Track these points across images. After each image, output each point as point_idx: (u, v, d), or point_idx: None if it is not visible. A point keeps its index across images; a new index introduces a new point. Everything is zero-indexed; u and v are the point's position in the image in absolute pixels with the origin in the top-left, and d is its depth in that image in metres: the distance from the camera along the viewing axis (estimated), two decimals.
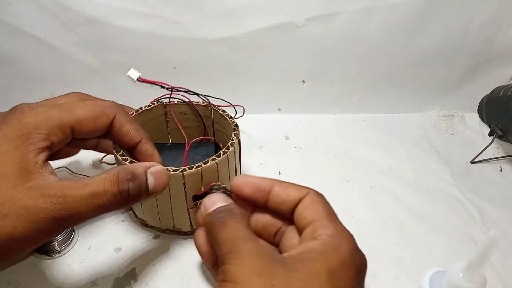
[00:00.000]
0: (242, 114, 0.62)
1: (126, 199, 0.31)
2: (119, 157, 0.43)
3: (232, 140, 0.47)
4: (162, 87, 0.54)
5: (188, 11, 0.67)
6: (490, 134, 0.70)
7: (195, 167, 0.41)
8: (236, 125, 0.51)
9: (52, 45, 0.68)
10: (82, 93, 0.43)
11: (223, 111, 0.55)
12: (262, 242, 0.27)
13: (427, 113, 0.80)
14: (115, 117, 0.38)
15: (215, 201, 0.30)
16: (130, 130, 0.39)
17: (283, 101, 0.79)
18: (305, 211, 0.29)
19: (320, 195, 0.30)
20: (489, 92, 0.72)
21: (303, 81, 0.76)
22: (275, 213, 0.32)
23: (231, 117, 0.53)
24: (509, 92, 0.65)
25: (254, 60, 0.73)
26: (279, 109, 0.79)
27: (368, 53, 0.73)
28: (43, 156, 0.31)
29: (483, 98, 0.74)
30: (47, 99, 0.41)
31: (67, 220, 0.29)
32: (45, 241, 0.39)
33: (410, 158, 0.69)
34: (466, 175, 0.66)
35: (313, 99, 0.78)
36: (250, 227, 0.28)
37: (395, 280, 0.49)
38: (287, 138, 0.74)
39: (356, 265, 0.25)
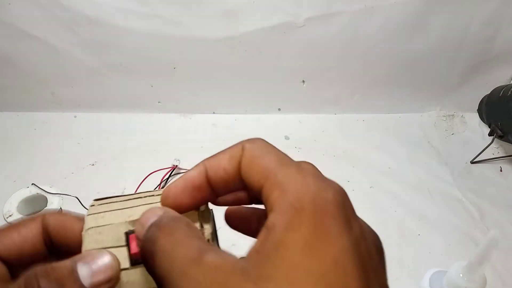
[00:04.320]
0: None
1: None
2: None
3: None
4: None
5: (188, 11, 0.67)
6: (490, 134, 0.70)
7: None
8: None
9: (52, 45, 0.68)
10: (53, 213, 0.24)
11: None
12: (212, 254, 0.17)
13: (427, 113, 0.80)
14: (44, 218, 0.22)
15: (148, 217, 0.20)
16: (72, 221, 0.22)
17: (283, 101, 0.79)
18: (249, 177, 0.20)
19: (256, 142, 0.21)
20: (489, 92, 0.72)
21: (303, 81, 0.76)
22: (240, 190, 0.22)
23: None
24: (509, 92, 0.65)
25: (254, 60, 0.72)
26: (279, 109, 0.79)
27: (368, 53, 0.73)
28: None
29: (483, 98, 0.74)
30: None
31: None
32: None
33: (410, 158, 0.69)
34: (466, 175, 0.66)
35: (313, 99, 0.78)
36: (193, 229, 0.19)
37: (395, 280, 0.49)
38: (287, 138, 0.74)
39: (334, 204, 0.17)
